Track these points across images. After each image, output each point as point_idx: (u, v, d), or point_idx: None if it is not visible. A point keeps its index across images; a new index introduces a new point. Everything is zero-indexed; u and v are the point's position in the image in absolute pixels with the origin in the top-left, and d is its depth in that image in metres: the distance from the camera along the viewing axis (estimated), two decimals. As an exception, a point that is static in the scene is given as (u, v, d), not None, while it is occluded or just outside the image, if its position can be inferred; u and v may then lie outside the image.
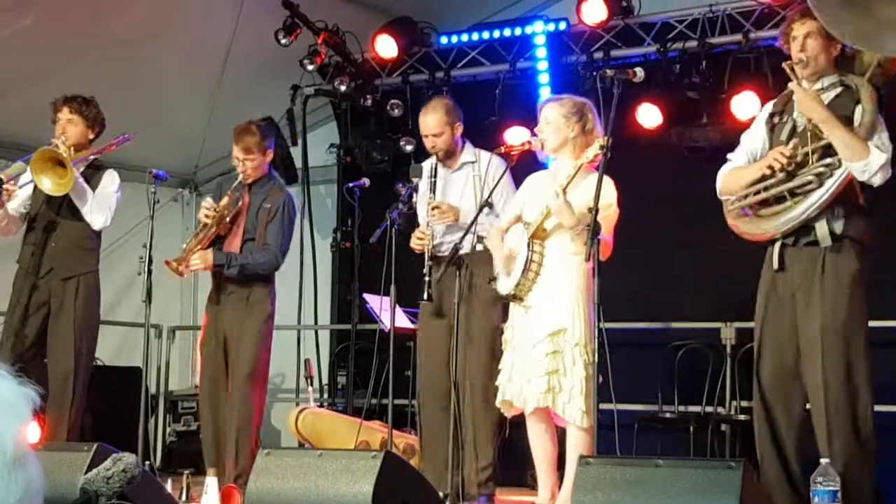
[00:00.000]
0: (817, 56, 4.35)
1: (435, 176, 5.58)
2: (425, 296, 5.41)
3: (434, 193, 5.54)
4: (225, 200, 5.82)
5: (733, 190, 4.52)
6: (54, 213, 5.78)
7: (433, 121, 5.63)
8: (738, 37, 6.78)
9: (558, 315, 4.74)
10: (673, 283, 7.18)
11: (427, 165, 5.73)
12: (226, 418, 5.78)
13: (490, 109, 7.46)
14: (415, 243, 5.52)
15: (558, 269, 4.81)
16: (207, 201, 5.88)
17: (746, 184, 4.46)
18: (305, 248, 8.11)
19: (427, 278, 5.41)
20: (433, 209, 5.47)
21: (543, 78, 7.38)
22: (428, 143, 5.68)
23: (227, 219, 5.82)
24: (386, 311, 5.78)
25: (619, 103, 4.44)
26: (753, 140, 4.59)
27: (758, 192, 4.41)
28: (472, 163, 5.69)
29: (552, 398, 4.68)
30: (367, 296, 6.89)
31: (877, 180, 4.18)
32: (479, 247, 5.31)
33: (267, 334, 5.84)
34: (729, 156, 4.64)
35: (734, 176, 4.55)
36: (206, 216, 5.80)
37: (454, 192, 5.66)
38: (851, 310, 4.26)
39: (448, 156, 5.67)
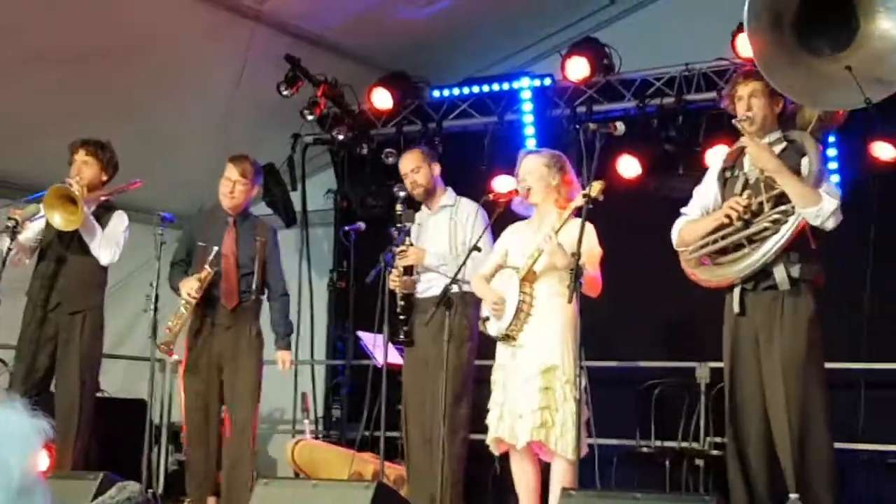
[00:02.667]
0: (764, 114, 4.42)
1: (411, 219, 5.66)
2: (402, 336, 5.46)
3: (409, 237, 5.60)
4: (205, 273, 5.65)
5: (690, 241, 4.56)
6: (64, 248, 5.75)
7: (410, 158, 5.80)
8: (713, 94, 6.80)
9: (549, 353, 4.74)
10: (650, 323, 7.17)
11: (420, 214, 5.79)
12: (213, 451, 5.68)
13: (479, 158, 7.48)
14: (393, 283, 5.56)
15: (547, 310, 4.81)
16: (190, 284, 5.65)
17: (703, 234, 4.51)
18: (303, 287, 8.08)
19: (402, 316, 5.51)
20: (399, 251, 5.52)
21: (529, 130, 7.41)
22: (408, 181, 5.76)
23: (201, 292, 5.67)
24: (379, 348, 5.77)
25: (601, 154, 4.46)
26: (706, 194, 4.65)
27: (716, 241, 4.45)
28: (451, 206, 5.74)
29: (545, 433, 4.66)
30: (360, 333, 6.86)
31: (829, 224, 4.26)
32: (463, 288, 5.33)
33: (262, 366, 5.78)
34: (683, 210, 4.69)
35: (690, 228, 4.60)
36: (190, 296, 5.61)
37: (430, 235, 5.71)
38: (809, 346, 4.32)
39: (428, 194, 5.75)
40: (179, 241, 6.05)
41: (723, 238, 4.44)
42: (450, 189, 5.83)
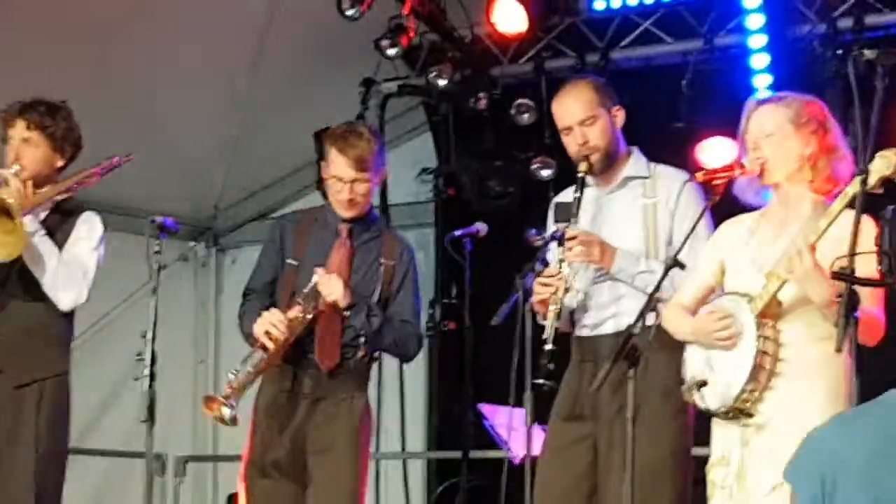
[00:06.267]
0: None
1: (581, 190, 5.57)
2: (540, 379, 5.29)
3: (577, 216, 5.50)
4: (294, 312, 5.63)
5: None
6: (-1, 287, 5.87)
7: (577, 102, 5.59)
8: None
9: (815, 438, 4.69)
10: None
11: (570, 195, 5.65)
12: None
13: (673, 111, 7.53)
14: (539, 293, 5.49)
15: (806, 365, 4.76)
16: (274, 315, 5.62)
17: None
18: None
19: (547, 348, 5.32)
20: (569, 239, 5.44)
21: (759, 61, 7.42)
22: (574, 141, 5.55)
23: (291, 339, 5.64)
24: (517, 431, 5.77)
25: (886, 102, 4.42)
26: None
27: None
28: (644, 179, 5.63)
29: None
30: (483, 406, 6.88)
31: None
32: (653, 323, 5.25)
33: (366, 460, 5.82)
34: None
35: None
36: (271, 336, 5.58)
37: (609, 224, 5.65)
38: None
39: (607, 163, 5.61)
40: (262, 254, 6.04)
41: None
42: (636, 151, 5.73)
